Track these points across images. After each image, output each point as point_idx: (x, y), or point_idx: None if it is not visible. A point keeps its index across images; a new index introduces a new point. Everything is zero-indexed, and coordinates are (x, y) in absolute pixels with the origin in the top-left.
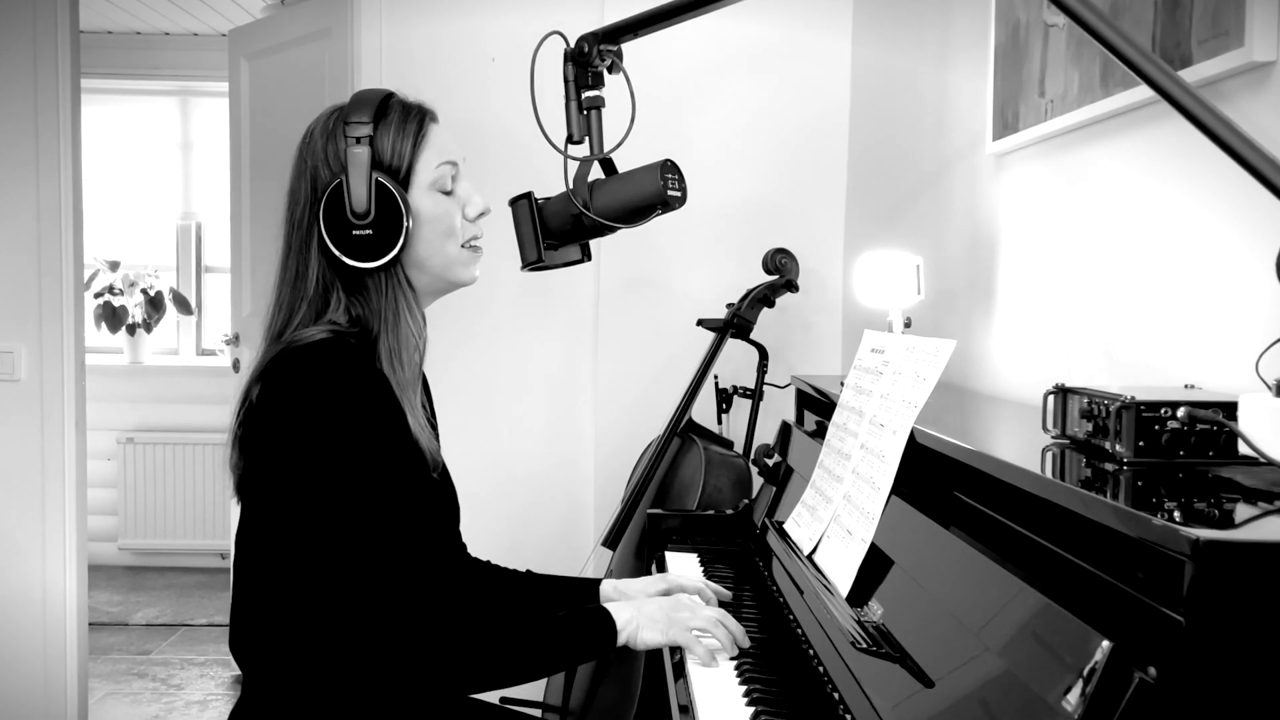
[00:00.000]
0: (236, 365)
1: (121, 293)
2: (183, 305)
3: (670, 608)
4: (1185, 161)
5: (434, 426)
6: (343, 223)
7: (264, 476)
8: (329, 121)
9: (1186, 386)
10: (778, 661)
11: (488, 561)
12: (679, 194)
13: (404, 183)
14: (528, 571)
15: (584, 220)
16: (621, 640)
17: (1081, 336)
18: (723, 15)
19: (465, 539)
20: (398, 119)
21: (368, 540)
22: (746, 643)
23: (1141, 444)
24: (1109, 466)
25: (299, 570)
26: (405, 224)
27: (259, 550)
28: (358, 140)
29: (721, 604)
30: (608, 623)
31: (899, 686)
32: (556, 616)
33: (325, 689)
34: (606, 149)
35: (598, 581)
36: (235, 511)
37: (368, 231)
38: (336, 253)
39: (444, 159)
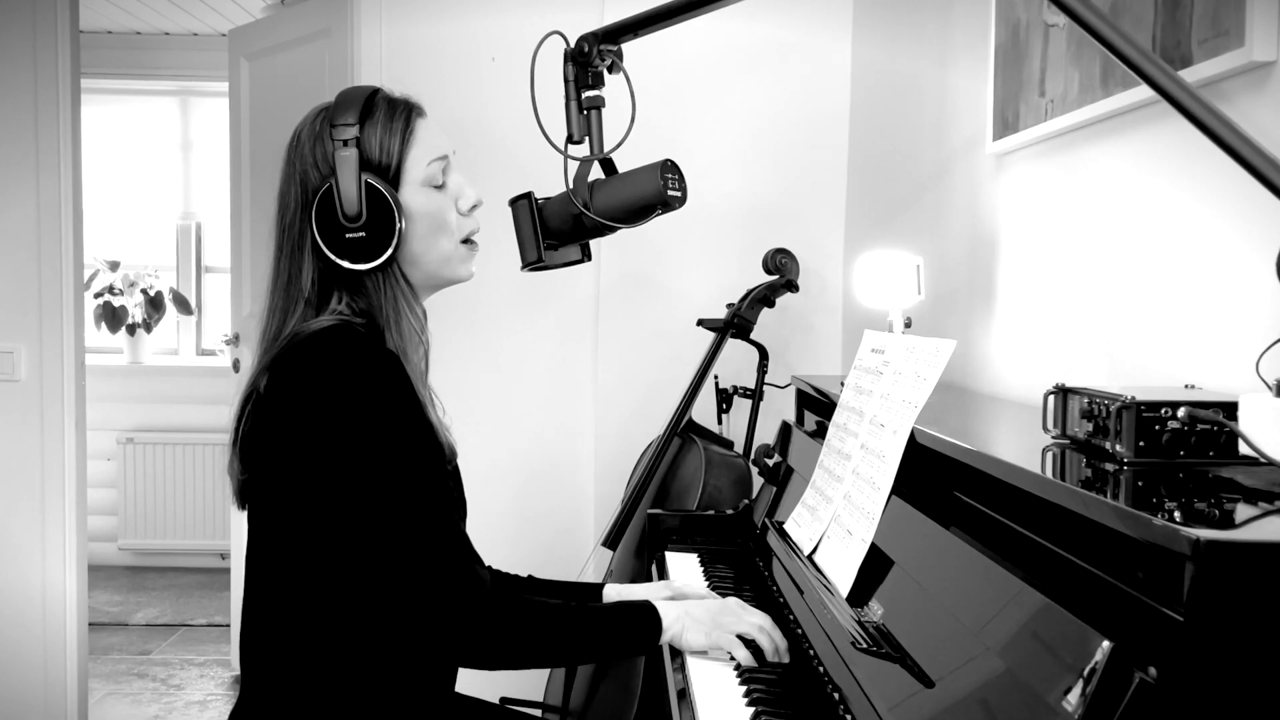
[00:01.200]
0: (236, 365)
1: (121, 293)
2: (183, 305)
3: (717, 611)
4: (1185, 161)
5: None
6: (335, 226)
7: (278, 471)
8: (315, 123)
9: (1186, 386)
10: (778, 661)
11: (489, 566)
12: (679, 194)
13: (394, 181)
14: (529, 577)
15: (584, 220)
16: (665, 639)
17: (1082, 336)
18: (723, 15)
19: None
20: (384, 117)
21: (386, 528)
22: (786, 658)
23: (1142, 444)
24: (1109, 466)
25: (317, 561)
26: (398, 224)
27: (273, 546)
28: (345, 142)
29: None
30: (654, 619)
31: (899, 686)
32: (605, 605)
33: (348, 682)
34: (606, 149)
35: (600, 586)
36: (235, 512)
37: (361, 233)
38: (331, 256)
39: (434, 155)
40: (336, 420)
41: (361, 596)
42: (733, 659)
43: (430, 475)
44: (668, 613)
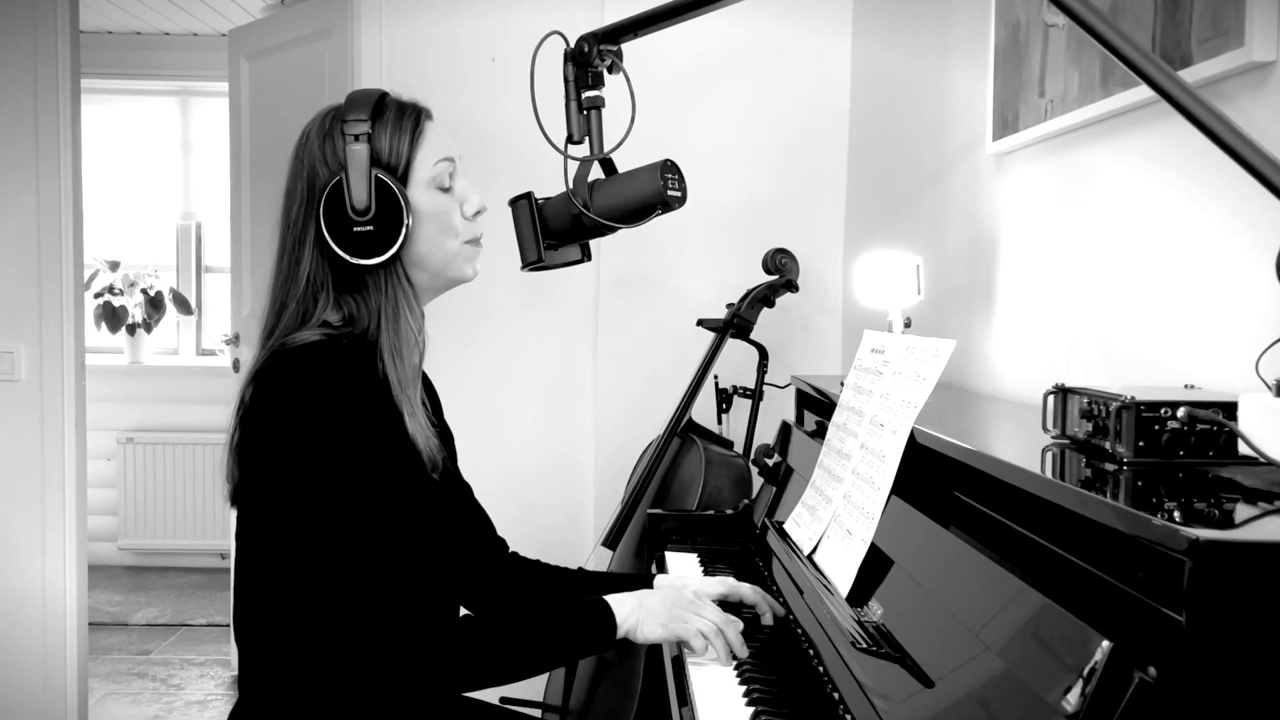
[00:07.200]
0: (236, 365)
1: (121, 293)
2: (183, 305)
3: (673, 603)
4: (1185, 161)
5: (441, 427)
6: (343, 220)
7: (258, 481)
8: (325, 122)
9: (1186, 386)
10: (778, 661)
11: (536, 560)
12: (679, 194)
13: (402, 180)
14: (580, 569)
15: (584, 220)
16: (621, 634)
17: (1081, 336)
18: (723, 15)
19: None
20: (394, 117)
21: (357, 542)
22: (743, 652)
23: (1141, 444)
24: (1109, 466)
25: (293, 572)
26: (405, 220)
27: (256, 553)
28: (356, 138)
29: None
30: (607, 617)
31: (899, 686)
32: (556, 610)
33: (324, 690)
34: (606, 149)
35: (651, 578)
36: (234, 514)
37: (369, 228)
38: (338, 250)
39: (442, 156)
40: (295, 443)
41: (322, 608)
42: (734, 657)
43: (376, 504)
44: (621, 608)
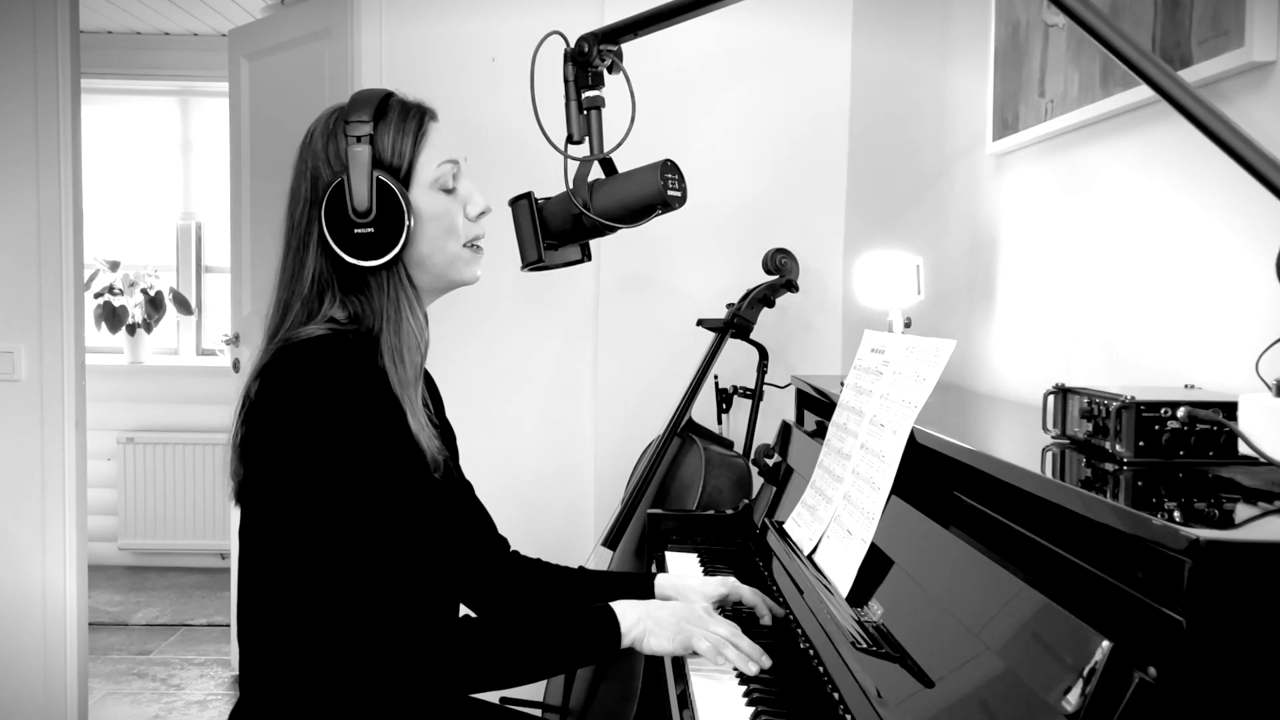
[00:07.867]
0: (236, 365)
1: (121, 293)
2: (183, 305)
3: (682, 616)
4: (1185, 161)
5: (444, 426)
6: (344, 221)
7: (262, 476)
8: (329, 122)
9: (1186, 386)
10: (778, 661)
11: (537, 559)
12: (679, 194)
13: (405, 181)
14: (580, 569)
15: (584, 220)
16: (626, 643)
17: (1081, 336)
18: (723, 15)
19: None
20: (398, 118)
21: (362, 538)
22: (767, 661)
23: (1141, 444)
24: (1109, 466)
25: (296, 568)
26: (407, 222)
27: (259, 550)
28: (358, 139)
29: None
30: (612, 625)
31: (899, 686)
32: (560, 616)
33: (325, 688)
34: (606, 149)
35: (651, 577)
36: (235, 512)
37: (369, 230)
38: (339, 251)
39: (445, 157)
40: (300, 436)
41: (325, 605)
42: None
43: (382, 499)
44: (627, 616)
